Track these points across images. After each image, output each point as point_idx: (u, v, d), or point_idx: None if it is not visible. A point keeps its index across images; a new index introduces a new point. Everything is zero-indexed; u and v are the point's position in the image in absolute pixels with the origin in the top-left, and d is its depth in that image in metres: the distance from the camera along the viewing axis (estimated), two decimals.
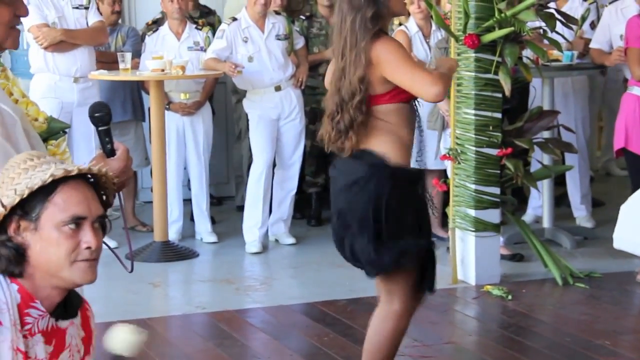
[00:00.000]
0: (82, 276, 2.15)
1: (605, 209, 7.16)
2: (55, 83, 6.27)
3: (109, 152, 2.54)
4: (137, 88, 7.06)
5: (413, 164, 6.41)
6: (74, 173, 2.14)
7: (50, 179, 2.10)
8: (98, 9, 6.57)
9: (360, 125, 3.59)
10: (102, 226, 2.19)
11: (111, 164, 2.50)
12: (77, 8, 6.34)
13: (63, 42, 6.24)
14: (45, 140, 2.74)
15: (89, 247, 2.13)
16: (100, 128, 2.55)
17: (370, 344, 3.81)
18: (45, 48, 6.20)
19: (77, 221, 2.13)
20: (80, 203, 2.13)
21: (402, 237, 3.60)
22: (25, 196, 2.10)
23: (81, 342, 2.26)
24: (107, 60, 6.69)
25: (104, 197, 2.26)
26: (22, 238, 2.12)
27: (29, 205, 2.11)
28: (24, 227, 2.12)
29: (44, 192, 2.11)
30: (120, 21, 7.27)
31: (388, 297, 3.76)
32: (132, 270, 2.54)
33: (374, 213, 3.57)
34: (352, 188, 3.63)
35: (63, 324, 2.21)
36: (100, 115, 2.56)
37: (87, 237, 2.14)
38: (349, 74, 3.60)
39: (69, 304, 2.22)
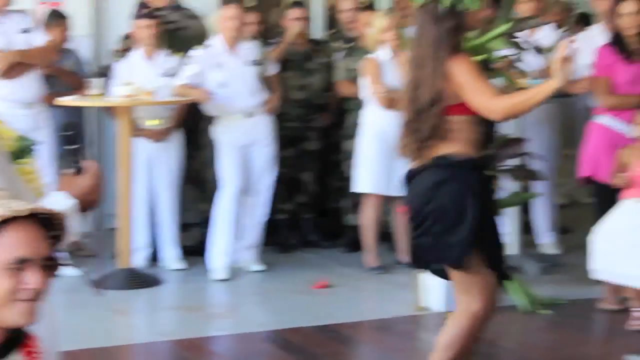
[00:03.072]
0: (20, 316, 2.11)
1: (571, 236, 7.19)
2: (7, 110, 6.19)
3: (79, 171, 2.54)
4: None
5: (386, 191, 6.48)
6: (24, 214, 2.10)
7: None
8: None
9: (440, 133, 3.71)
10: (51, 266, 2.14)
11: (80, 182, 2.49)
12: (24, 32, 6.32)
13: (13, 69, 6.20)
14: (18, 158, 2.74)
15: (30, 288, 2.10)
16: (69, 147, 2.56)
17: (442, 339, 3.87)
18: (2, 75, 6.18)
19: (22, 262, 2.09)
20: (27, 244, 2.09)
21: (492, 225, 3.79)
22: None
23: None
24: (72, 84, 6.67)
25: (57, 236, 2.21)
26: None
27: None
28: None
29: None
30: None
31: (467, 297, 3.79)
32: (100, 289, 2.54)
33: (469, 205, 3.70)
34: (439, 188, 3.74)
35: None
36: (71, 135, 2.57)
37: (31, 277, 2.09)
38: (428, 84, 3.70)
39: (11, 344, 2.17)
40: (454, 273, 3.77)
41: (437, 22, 3.71)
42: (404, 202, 4.04)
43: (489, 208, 3.82)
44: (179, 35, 7.04)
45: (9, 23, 6.29)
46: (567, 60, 3.54)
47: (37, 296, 2.11)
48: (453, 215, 3.70)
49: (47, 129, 6.34)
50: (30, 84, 6.34)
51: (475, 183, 3.74)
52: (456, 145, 3.75)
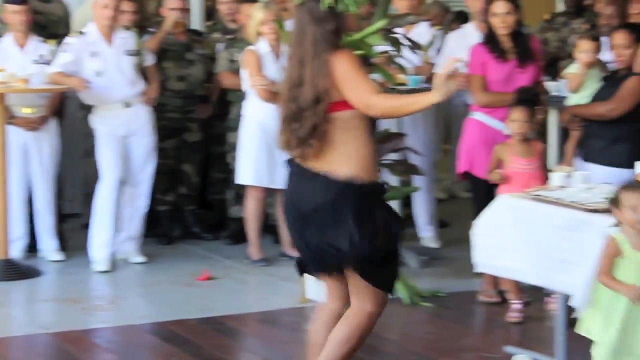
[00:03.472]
0: None
1: (450, 229, 7.37)
2: None
3: None
4: None
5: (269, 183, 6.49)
6: None
7: None
8: None
9: (322, 132, 3.67)
10: None
11: None
12: None
13: None
14: None
15: None
16: None
17: (338, 335, 3.82)
18: None
19: None
20: None
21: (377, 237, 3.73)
22: None
23: None
24: None
25: None
26: None
27: None
28: None
29: None
30: None
31: (360, 297, 3.79)
32: None
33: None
34: (324, 207, 3.70)
35: None
36: None
37: None
38: (310, 82, 3.68)
39: None
40: (351, 275, 3.80)
41: (317, 23, 3.72)
42: (283, 194, 4.02)
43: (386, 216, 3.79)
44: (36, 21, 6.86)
45: None
46: (450, 77, 3.62)
47: None
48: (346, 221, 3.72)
49: None
50: None
51: (361, 208, 3.69)
52: (344, 161, 3.70)
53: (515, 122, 5.41)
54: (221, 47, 7.21)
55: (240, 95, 6.81)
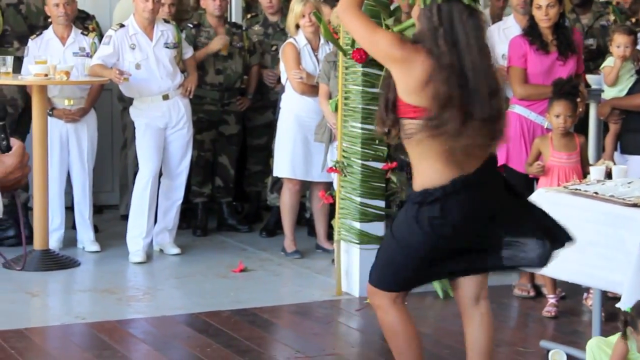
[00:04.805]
0: None
1: None
2: None
3: (5, 149, 2.49)
4: None
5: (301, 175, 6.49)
6: None
7: None
8: None
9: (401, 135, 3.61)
10: None
11: (5, 161, 2.45)
12: None
13: None
14: None
15: None
16: None
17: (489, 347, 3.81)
18: None
19: None
20: None
21: None
22: None
23: None
24: None
25: None
26: None
27: None
28: None
29: None
30: None
31: (483, 295, 3.77)
32: (23, 268, 2.49)
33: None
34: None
35: None
36: None
37: None
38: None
39: None
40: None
41: None
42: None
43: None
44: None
45: None
46: None
47: None
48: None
49: None
50: None
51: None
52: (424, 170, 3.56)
53: (558, 116, 5.33)
54: (260, 40, 7.24)
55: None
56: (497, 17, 7.56)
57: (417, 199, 3.54)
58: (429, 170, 3.52)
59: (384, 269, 3.68)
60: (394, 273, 3.65)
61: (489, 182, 3.60)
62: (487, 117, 3.47)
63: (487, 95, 3.48)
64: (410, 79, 3.48)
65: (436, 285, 5.61)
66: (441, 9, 3.50)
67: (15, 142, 2.51)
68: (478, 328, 3.77)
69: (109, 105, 7.77)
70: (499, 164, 5.80)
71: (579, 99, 5.46)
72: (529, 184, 5.60)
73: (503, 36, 6.43)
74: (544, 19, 5.71)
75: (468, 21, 3.50)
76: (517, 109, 5.85)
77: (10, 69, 6.24)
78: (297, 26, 6.54)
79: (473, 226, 3.55)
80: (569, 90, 5.41)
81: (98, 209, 7.28)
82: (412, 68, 3.48)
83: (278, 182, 6.90)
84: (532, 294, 5.63)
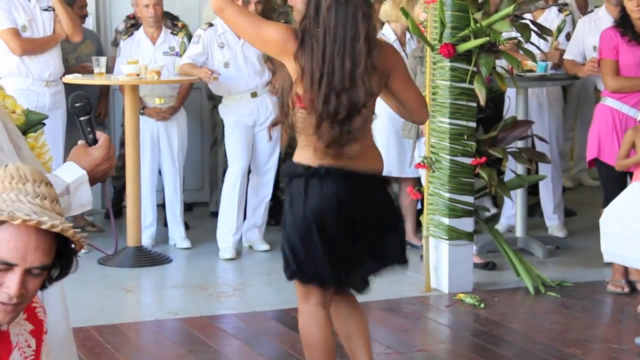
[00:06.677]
0: None
1: (577, 218, 7.21)
2: (28, 87, 6.23)
3: (91, 142, 2.56)
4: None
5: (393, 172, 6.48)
6: (31, 223, 2.03)
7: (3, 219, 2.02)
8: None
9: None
10: (39, 275, 2.09)
11: (93, 153, 2.51)
12: (45, 10, 6.32)
13: (36, 46, 6.22)
14: (24, 133, 2.74)
15: (5, 292, 2.06)
16: (81, 118, 2.57)
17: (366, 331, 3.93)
18: (21, 54, 6.18)
19: (6, 265, 2.05)
20: (16, 249, 2.04)
21: None
22: None
23: (30, 335, 2.22)
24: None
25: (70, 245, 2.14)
26: None
27: None
28: None
29: None
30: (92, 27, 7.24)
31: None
32: (115, 252, 2.54)
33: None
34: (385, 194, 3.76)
35: (3, 326, 2.15)
36: (81, 105, 2.58)
37: (11, 283, 2.05)
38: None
39: None
40: None
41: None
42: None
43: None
44: None
45: (33, 1, 6.29)
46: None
47: (13, 301, 2.06)
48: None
49: (63, 107, 6.35)
50: (52, 62, 6.34)
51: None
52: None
53: None
54: None
55: None
56: (582, 7, 7.44)
57: (284, 172, 3.77)
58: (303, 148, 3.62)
59: (286, 254, 3.84)
60: (291, 250, 3.79)
61: (361, 189, 3.64)
62: (331, 114, 3.45)
63: (338, 93, 3.45)
64: (291, 70, 3.55)
65: (527, 281, 5.55)
66: None
67: (101, 135, 2.57)
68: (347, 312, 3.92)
69: (198, 103, 7.87)
70: (590, 158, 5.78)
71: None
72: (621, 178, 5.49)
73: (594, 27, 6.33)
74: (635, 9, 5.61)
75: (331, 11, 3.43)
76: (609, 102, 5.76)
77: (104, 70, 6.38)
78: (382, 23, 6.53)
79: (329, 213, 3.60)
80: None
81: (188, 207, 7.38)
82: (289, 61, 3.53)
83: None
84: (626, 290, 5.53)
